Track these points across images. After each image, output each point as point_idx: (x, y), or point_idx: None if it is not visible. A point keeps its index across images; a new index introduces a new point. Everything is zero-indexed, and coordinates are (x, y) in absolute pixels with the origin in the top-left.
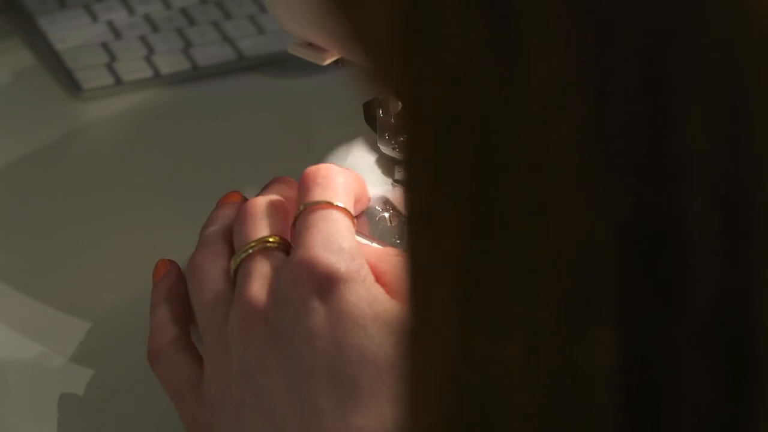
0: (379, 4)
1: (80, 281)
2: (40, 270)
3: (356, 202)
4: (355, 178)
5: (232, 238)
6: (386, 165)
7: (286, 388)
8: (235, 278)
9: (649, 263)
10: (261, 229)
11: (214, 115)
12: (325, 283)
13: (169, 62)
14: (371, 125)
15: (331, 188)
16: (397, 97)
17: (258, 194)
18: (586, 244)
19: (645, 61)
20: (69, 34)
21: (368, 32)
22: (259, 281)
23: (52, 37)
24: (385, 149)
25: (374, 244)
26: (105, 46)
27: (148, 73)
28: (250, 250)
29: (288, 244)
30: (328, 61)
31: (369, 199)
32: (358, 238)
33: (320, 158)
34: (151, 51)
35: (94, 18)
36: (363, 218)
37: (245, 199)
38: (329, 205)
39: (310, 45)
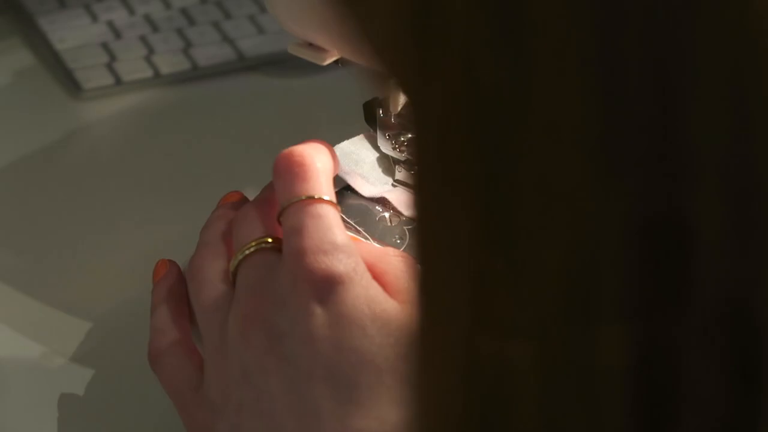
0: (387, 2)
1: (80, 281)
2: (40, 270)
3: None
4: (326, 153)
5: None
6: (386, 164)
7: (286, 389)
8: (235, 279)
9: (657, 259)
10: (260, 229)
11: (214, 115)
12: (323, 286)
13: (169, 62)
14: (371, 125)
15: (310, 179)
16: (406, 93)
17: (258, 194)
18: (595, 240)
19: (650, 57)
20: (69, 34)
21: (376, 31)
22: (257, 283)
23: (52, 37)
24: (385, 149)
25: (374, 244)
26: (105, 46)
27: (148, 73)
28: (248, 251)
29: None
30: (328, 61)
31: (338, 165)
32: (354, 235)
33: None
34: (151, 51)
35: (94, 18)
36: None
37: (246, 199)
38: (313, 200)
39: (310, 45)
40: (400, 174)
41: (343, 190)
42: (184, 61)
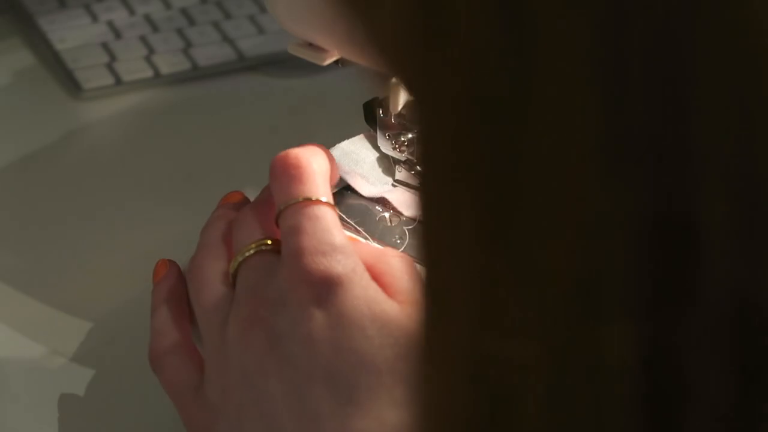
0: (392, 2)
1: (80, 281)
2: (40, 270)
3: (330, 180)
4: (323, 156)
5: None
6: (386, 164)
7: (285, 390)
8: (235, 281)
9: (662, 258)
10: (259, 232)
11: (214, 115)
12: (322, 287)
13: (169, 62)
14: (371, 125)
15: (306, 181)
16: (410, 93)
17: (257, 196)
18: (599, 240)
19: (651, 57)
20: (69, 34)
21: (380, 30)
22: (257, 285)
23: (52, 37)
24: (385, 149)
25: (374, 244)
26: (105, 46)
27: (148, 73)
28: (248, 254)
29: None
30: (328, 61)
31: (335, 167)
32: (353, 236)
33: None
34: (151, 51)
35: (94, 18)
36: (340, 198)
37: (246, 199)
38: (310, 201)
39: (310, 45)
40: (400, 174)
41: (343, 190)
42: (184, 61)
